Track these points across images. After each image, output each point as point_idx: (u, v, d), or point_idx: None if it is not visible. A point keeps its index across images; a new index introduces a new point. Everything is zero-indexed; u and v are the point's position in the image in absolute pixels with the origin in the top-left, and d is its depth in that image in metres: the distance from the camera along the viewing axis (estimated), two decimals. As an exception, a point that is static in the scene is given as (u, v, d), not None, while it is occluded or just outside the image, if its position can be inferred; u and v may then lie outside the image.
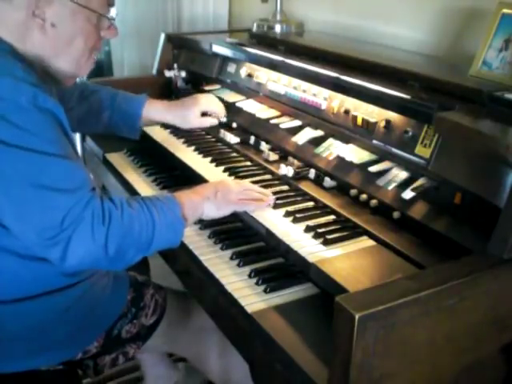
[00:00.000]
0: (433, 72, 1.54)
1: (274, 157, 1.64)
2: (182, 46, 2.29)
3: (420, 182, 1.27)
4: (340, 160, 1.47)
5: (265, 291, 1.20)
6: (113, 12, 1.28)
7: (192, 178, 1.62)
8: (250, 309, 1.14)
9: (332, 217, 1.36)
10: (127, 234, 1.11)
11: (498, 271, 0.98)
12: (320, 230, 1.27)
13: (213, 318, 1.31)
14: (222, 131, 1.85)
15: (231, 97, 1.95)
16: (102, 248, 1.08)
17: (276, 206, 1.39)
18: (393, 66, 1.52)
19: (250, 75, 1.92)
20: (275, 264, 1.32)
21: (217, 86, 2.08)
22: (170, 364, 1.91)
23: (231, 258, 1.32)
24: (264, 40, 2.09)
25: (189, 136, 1.89)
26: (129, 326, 1.44)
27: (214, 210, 1.31)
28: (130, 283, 1.48)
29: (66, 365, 1.35)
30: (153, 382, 1.88)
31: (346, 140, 1.51)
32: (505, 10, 1.38)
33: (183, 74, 2.23)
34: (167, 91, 2.24)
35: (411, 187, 1.26)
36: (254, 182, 1.50)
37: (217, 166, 1.66)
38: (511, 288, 1.02)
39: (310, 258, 1.17)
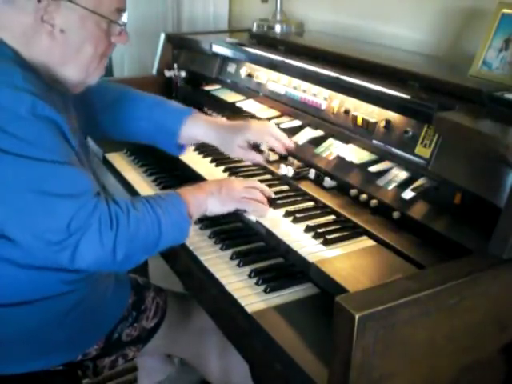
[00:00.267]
0: (433, 72, 1.54)
1: (274, 157, 1.64)
2: (181, 46, 2.29)
3: (420, 182, 1.27)
4: (340, 160, 1.47)
5: (265, 291, 1.20)
6: (124, 17, 1.24)
7: (192, 178, 1.61)
8: (249, 309, 1.14)
9: (332, 217, 1.36)
10: (134, 237, 1.10)
11: (498, 271, 0.98)
12: (320, 230, 1.27)
13: (213, 318, 1.31)
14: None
15: (231, 97, 1.95)
16: (110, 253, 1.07)
17: (276, 206, 1.39)
18: (393, 66, 1.52)
19: (250, 75, 1.92)
20: (275, 264, 1.32)
21: (217, 86, 2.08)
22: (165, 357, 1.89)
23: (231, 258, 1.32)
24: (264, 40, 2.09)
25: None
26: (129, 329, 1.44)
27: (218, 206, 1.28)
28: (132, 286, 1.47)
29: (66, 365, 1.35)
30: (146, 374, 1.86)
31: (346, 140, 1.51)
32: (505, 10, 1.38)
33: (183, 73, 2.23)
34: (167, 91, 2.24)
35: (411, 187, 1.26)
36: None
37: (217, 166, 1.67)
38: (511, 288, 1.02)
39: (310, 258, 1.17)
